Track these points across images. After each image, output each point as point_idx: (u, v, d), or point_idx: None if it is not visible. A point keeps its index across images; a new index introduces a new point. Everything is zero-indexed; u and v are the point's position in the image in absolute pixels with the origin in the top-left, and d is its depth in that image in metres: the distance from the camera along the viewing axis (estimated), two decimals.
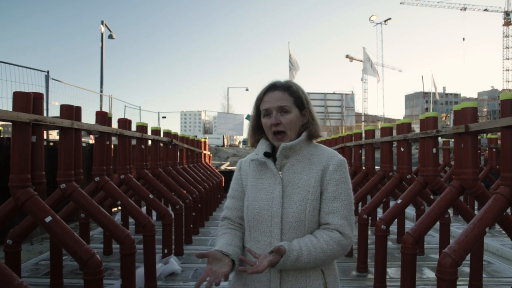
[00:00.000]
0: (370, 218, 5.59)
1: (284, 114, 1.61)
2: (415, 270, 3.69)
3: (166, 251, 5.12)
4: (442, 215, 3.77)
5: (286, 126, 1.61)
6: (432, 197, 5.41)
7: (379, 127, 5.62)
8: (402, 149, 4.87)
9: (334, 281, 1.63)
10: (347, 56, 59.15)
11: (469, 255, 4.26)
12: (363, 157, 6.72)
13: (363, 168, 6.46)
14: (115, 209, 9.14)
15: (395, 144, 5.20)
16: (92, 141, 10.74)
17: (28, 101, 2.81)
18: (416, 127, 8.82)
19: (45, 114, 3.64)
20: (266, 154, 1.65)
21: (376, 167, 6.21)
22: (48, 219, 2.72)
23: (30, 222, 3.39)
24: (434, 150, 4.18)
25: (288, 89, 1.64)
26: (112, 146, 5.32)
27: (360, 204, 7.39)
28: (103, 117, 4.26)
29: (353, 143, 6.95)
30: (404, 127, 4.93)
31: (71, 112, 3.51)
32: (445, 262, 2.81)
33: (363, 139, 6.61)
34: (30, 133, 2.83)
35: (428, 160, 4.20)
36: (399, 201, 4.35)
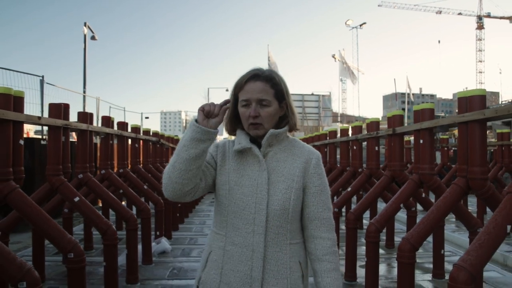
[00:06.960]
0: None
1: (264, 107, 1.57)
2: (356, 241, 4.75)
3: (158, 233, 6.05)
4: (377, 197, 4.84)
5: (264, 119, 1.57)
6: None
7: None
8: (355, 147, 5.93)
9: (307, 272, 1.68)
10: (333, 56, 60.28)
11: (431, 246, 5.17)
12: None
13: (327, 164, 7.52)
14: None
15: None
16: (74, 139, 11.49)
17: (60, 110, 3.72)
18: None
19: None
20: (251, 141, 1.62)
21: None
22: (76, 199, 3.63)
23: (56, 201, 4.25)
24: (376, 148, 5.24)
25: (270, 80, 1.59)
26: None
27: None
28: (107, 121, 5.16)
29: (319, 142, 8.02)
30: (357, 129, 5.99)
31: (86, 117, 4.42)
32: (371, 229, 3.86)
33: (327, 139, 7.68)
34: (61, 135, 3.73)
35: (372, 156, 5.25)
36: (349, 189, 5.42)
